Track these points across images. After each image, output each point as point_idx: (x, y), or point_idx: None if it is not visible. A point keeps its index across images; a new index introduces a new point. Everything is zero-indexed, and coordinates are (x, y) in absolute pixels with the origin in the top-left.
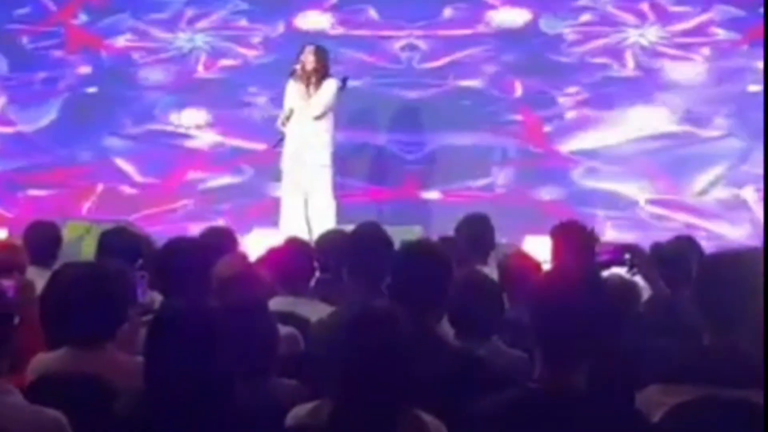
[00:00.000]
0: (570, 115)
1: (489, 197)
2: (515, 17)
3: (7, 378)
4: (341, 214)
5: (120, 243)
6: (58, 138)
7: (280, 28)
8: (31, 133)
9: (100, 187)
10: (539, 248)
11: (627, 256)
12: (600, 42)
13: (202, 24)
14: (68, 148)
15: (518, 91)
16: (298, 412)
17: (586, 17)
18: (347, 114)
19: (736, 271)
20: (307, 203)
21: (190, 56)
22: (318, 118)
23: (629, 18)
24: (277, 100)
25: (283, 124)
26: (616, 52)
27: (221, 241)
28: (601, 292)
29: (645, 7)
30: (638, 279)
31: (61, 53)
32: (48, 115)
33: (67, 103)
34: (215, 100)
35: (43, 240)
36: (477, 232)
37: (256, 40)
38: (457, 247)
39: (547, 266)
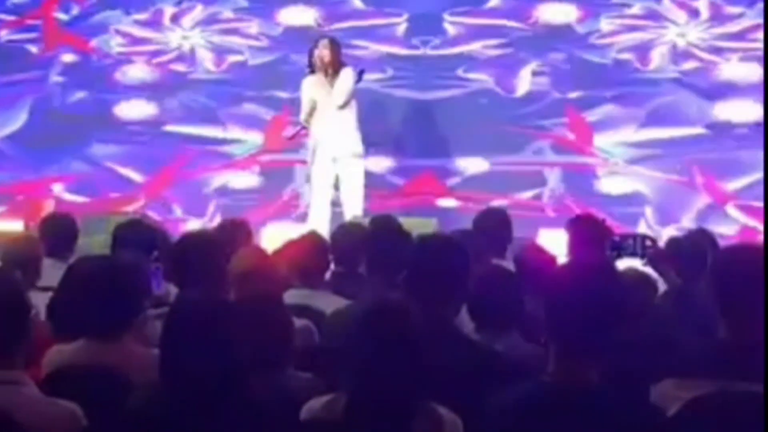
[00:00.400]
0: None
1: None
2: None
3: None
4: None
5: (135, 235)
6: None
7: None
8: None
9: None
10: (554, 242)
11: (648, 242)
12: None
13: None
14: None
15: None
16: (313, 405)
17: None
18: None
19: (751, 264)
20: (336, 194)
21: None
22: (342, 107)
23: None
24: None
25: (306, 121)
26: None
27: (237, 235)
28: (615, 285)
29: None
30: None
31: (37, 49)
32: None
33: (37, 109)
34: (208, 100)
35: (59, 232)
36: (495, 226)
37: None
38: (473, 240)
39: (562, 260)
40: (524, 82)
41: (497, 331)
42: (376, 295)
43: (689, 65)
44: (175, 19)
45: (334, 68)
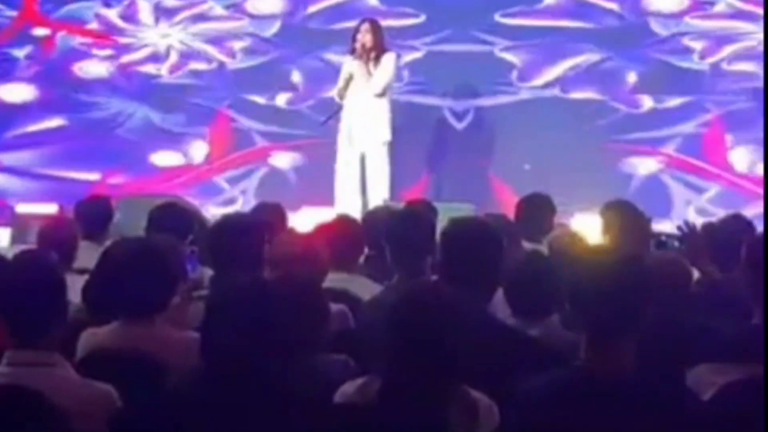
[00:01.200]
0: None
1: None
2: None
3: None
4: (397, 191)
5: (170, 218)
6: None
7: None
8: None
9: None
10: (589, 227)
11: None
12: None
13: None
14: None
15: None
16: (347, 388)
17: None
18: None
19: None
20: (364, 180)
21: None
22: (381, 95)
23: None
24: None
25: (341, 97)
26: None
27: (272, 218)
28: (641, 272)
29: None
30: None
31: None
32: None
33: None
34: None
35: (95, 215)
36: (534, 211)
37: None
38: (507, 224)
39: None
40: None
41: (533, 317)
42: (407, 279)
43: None
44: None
45: (376, 53)
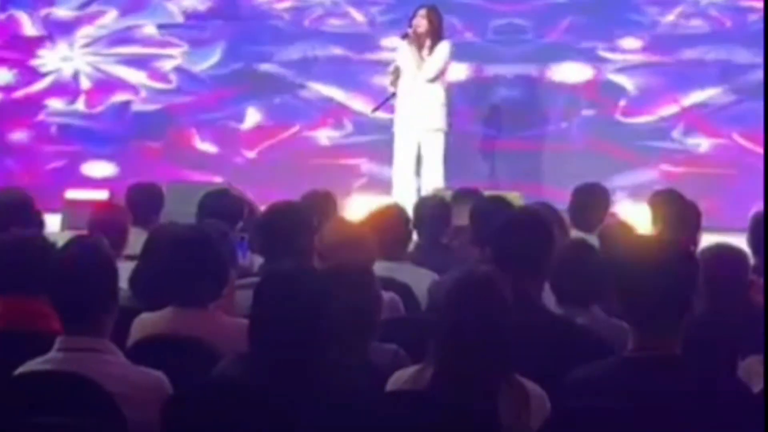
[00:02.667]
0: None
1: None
2: None
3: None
4: (452, 178)
5: (221, 205)
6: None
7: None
8: None
9: None
10: (640, 217)
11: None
12: None
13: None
14: None
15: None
16: (400, 376)
17: None
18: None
19: None
20: (419, 167)
21: None
22: (431, 80)
23: None
24: None
25: (393, 84)
26: None
27: (322, 205)
28: (689, 262)
29: None
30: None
31: None
32: None
33: None
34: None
35: (145, 201)
36: (588, 201)
37: None
38: (554, 213)
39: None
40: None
41: (578, 306)
42: (465, 267)
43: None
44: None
45: (432, 40)
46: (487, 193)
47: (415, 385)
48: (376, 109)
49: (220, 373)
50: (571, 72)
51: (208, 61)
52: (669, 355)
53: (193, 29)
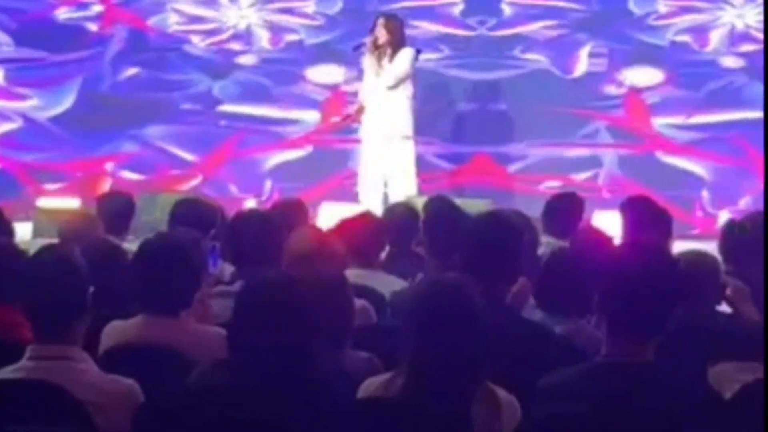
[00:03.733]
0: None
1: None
2: None
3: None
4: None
5: (193, 213)
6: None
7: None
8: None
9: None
10: (609, 223)
11: None
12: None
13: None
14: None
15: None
16: (371, 384)
17: None
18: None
19: None
20: (387, 176)
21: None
22: (391, 88)
23: None
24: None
25: (354, 116)
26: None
27: (293, 214)
28: (667, 267)
29: None
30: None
31: (96, 27)
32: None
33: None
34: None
35: (116, 210)
36: (561, 208)
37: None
38: (524, 220)
39: (617, 241)
40: (581, 63)
41: (561, 314)
42: (432, 274)
43: (748, 47)
44: None
45: (392, 48)
46: (456, 200)
47: (386, 392)
48: (342, 120)
49: (196, 381)
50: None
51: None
52: (641, 360)
53: None
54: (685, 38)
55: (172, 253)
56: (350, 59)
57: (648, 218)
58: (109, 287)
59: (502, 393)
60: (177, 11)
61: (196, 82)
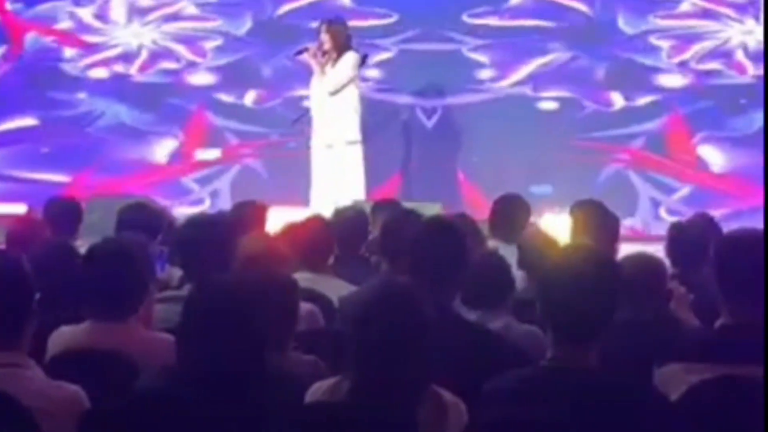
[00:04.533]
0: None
1: None
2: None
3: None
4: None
5: (140, 218)
6: None
7: (247, 24)
8: None
9: None
10: (559, 226)
11: None
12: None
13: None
14: None
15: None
16: (318, 388)
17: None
18: None
19: (754, 249)
20: (336, 181)
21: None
22: (333, 94)
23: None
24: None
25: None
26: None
27: (248, 217)
28: (610, 271)
29: None
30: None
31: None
32: None
33: None
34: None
35: (64, 215)
36: (507, 212)
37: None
38: (471, 224)
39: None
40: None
41: (489, 312)
42: (379, 278)
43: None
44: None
45: (337, 53)
46: (405, 203)
47: (332, 396)
48: (296, 120)
49: (143, 387)
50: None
51: None
52: (587, 364)
53: None
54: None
55: (119, 258)
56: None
57: (595, 221)
58: (60, 291)
59: (447, 396)
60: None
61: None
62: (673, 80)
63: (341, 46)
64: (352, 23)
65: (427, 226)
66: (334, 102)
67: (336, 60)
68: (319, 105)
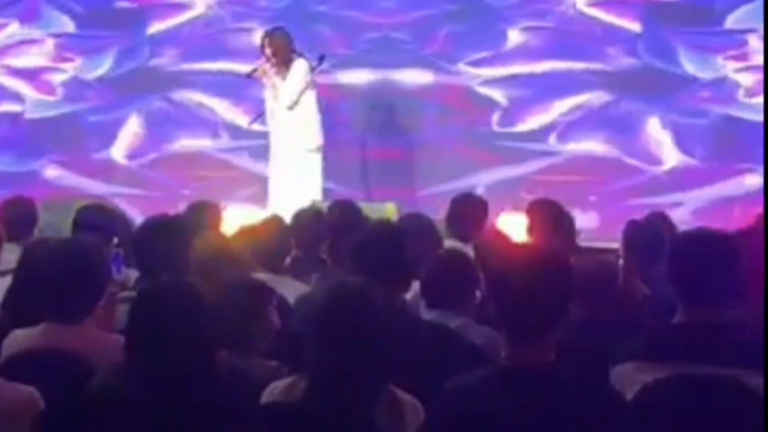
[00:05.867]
0: None
1: None
2: None
3: None
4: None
5: (96, 219)
6: None
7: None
8: None
9: None
10: (515, 226)
11: None
12: None
13: None
14: None
15: None
16: (275, 388)
17: None
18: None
19: (709, 247)
20: (294, 184)
21: None
22: (291, 107)
23: None
24: None
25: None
26: None
27: (204, 217)
28: (562, 269)
29: None
30: None
31: None
32: None
33: None
34: None
35: (19, 216)
36: (464, 211)
37: None
38: (426, 223)
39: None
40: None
41: (448, 312)
42: (337, 279)
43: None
44: None
45: (285, 62)
46: (361, 204)
47: (288, 396)
48: (254, 120)
49: (95, 387)
50: (440, 81)
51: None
52: (543, 362)
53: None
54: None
55: (73, 261)
56: None
57: (551, 221)
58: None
59: (404, 396)
60: None
61: None
62: None
63: (286, 55)
64: None
65: (369, 231)
66: (290, 114)
67: (286, 70)
68: (275, 116)
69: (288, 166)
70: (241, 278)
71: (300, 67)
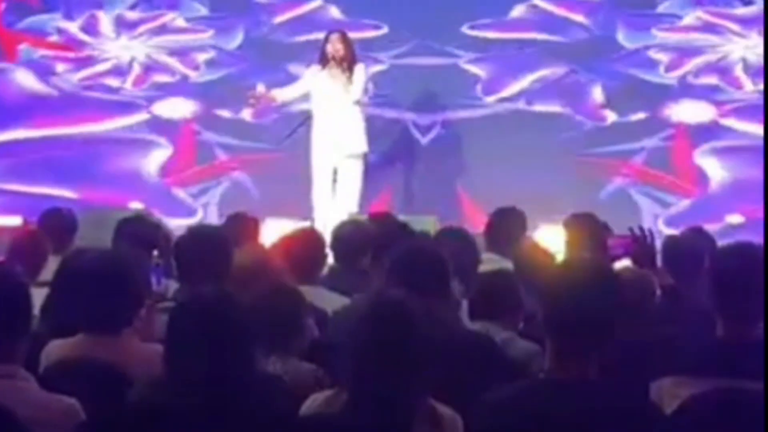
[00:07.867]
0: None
1: None
2: None
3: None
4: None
5: (137, 231)
6: None
7: (238, 39)
8: None
9: None
10: (553, 238)
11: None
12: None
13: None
14: None
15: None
16: (315, 399)
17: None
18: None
19: (749, 263)
20: (335, 189)
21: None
22: (357, 102)
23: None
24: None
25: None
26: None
27: (242, 230)
28: (611, 284)
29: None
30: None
31: None
32: None
33: None
34: None
35: (60, 227)
36: (503, 225)
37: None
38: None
39: (560, 256)
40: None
41: (492, 324)
42: (376, 291)
43: None
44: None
45: (348, 62)
46: (401, 217)
47: (328, 408)
48: (289, 135)
49: (135, 399)
50: None
51: None
52: (584, 377)
53: None
54: (713, 80)
55: (112, 271)
56: None
57: (590, 235)
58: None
59: (443, 409)
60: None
61: None
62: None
63: (353, 56)
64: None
65: (409, 247)
66: (348, 114)
67: (349, 69)
68: (333, 117)
69: (332, 169)
70: (279, 285)
71: (364, 68)
